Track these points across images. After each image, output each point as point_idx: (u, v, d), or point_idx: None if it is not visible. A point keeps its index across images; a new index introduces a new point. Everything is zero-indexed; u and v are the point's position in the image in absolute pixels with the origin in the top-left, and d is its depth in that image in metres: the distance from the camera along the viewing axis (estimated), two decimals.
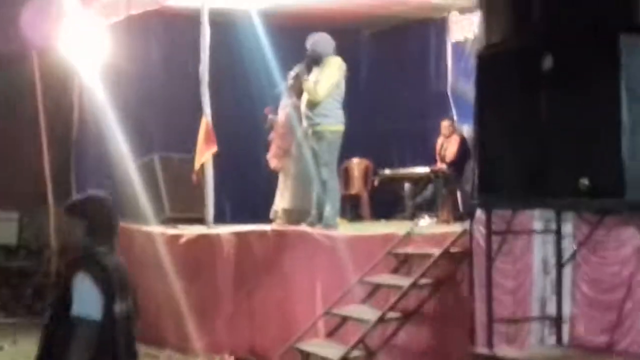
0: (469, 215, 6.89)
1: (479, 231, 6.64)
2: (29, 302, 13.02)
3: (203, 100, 10.44)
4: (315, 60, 9.18)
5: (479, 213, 6.61)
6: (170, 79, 12.10)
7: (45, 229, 12.78)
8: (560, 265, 6.00)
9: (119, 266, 4.16)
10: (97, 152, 12.23)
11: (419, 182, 11.56)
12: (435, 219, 10.42)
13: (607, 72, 4.83)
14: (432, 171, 11.29)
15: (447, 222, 10.20)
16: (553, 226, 6.15)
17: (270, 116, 10.67)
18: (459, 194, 11.26)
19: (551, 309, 6.23)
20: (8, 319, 12.68)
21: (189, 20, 11.14)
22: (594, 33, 4.93)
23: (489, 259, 5.91)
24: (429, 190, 11.41)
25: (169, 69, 12.20)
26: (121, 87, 11.62)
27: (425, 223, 10.04)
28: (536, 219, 6.28)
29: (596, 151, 4.95)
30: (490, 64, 5.73)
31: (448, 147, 11.53)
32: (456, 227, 7.56)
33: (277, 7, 11.24)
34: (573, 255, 6.01)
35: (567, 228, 6.07)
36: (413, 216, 11.01)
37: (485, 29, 5.75)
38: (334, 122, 9.05)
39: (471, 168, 11.53)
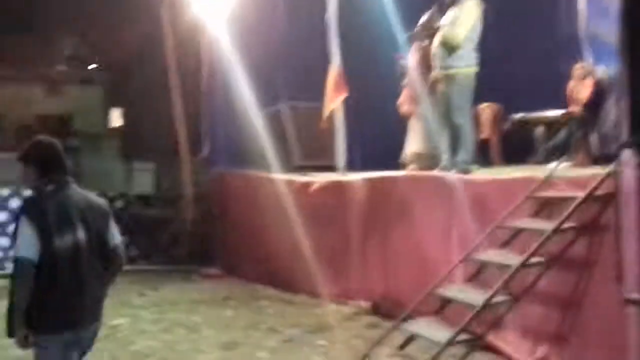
0: (614, 156, 6.50)
1: (626, 173, 6.26)
2: (166, 249, 13.26)
3: (332, 47, 10.22)
4: (450, 2, 8.81)
5: (627, 154, 6.22)
6: (297, 28, 11.90)
7: (179, 178, 12.93)
8: None
9: (65, 203, 4.35)
10: (226, 104, 12.23)
11: (552, 126, 11.08)
12: (569, 163, 9.94)
13: None
14: (565, 114, 10.80)
15: (581, 165, 9.72)
16: None
17: (401, 61, 10.35)
18: (592, 137, 10.76)
19: None
20: (149, 266, 12.97)
21: None
22: None
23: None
24: (562, 134, 10.91)
25: (295, 18, 12.00)
26: (248, 39, 11.52)
27: (559, 167, 9.60)
28: None
29: None
30: None
31: (581, 90, 10.97)
32: (596, 170, 7.13)
33: None
34: None
35: None
36: (545, 161, 10.57)
37: None
38: (468, 65, 8.70)
39: (606, 110, 11.05)
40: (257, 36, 11.63)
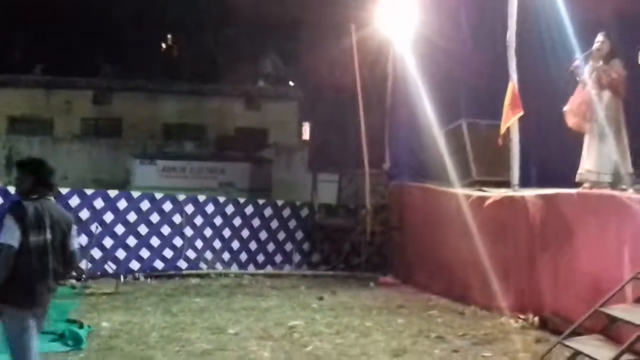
0: None
1: None
2: (346, 256, 13.39)
3: (510, 65, 10.01)
4: None
5: None
6: (477, 47, 11.75)
7: (361, 190, 13.03)
8: None
9: (41, 210, 5.22)
10: (408, 120, 12.24)
11: None
12: None
13: None
14: None
15: None
16: None
17: (575, 65, 9.68)
18: None
19: None
20: (328, 272, 13.15)
21: None
22: None
23: None
24: None
25: (476, 37, 11.83)
26: (431, 58, 11.50)
27: None
28: None
29: None
30: None
31: None
32: None
33: None
34: None
35: None
36: None
37: None
38: None
39: None
40: (440, 56, 11.61)
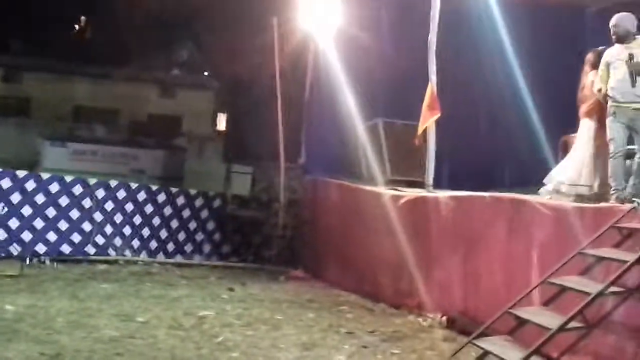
0: None
1: None
2: (257, 249, 13.29)
3: (430, 67, 10.08)
4: (619, 39, 8.22)
5: None
6: (398, 46, 11.81)
7: (275, 184, 12.95)
8: None
9: None
10: (326, 115, 12.23)
11: None
12: None
13: None
14: None
15: None
16: None
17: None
18: None
19: None
20: (239, 263, 13.03)
21: None
22: None
23: None
24: None
25: (397, 37, 11.90)
26: (351, 55, 11.50)
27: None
28: None
29: None
30: None
31: None
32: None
33: None
34: None
35: None
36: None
37: None
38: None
39: None
40: (361, 53, 11.60)
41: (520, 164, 11.91)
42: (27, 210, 11.85)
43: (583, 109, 8.48)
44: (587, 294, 6.14)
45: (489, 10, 10.93)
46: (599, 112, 8.18)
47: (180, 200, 13.35)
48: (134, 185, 13.17)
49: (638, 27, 8.10)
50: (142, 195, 13.03)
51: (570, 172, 8.42)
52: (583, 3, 12.43)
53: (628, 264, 6.13)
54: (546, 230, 7.66)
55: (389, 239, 10.08)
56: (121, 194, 12.78)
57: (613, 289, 6.17)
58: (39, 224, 11.92)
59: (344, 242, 11.35)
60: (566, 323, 5.97)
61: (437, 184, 10.48)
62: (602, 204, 7.67)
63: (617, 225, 6.74)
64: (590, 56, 8.59)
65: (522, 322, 6.48)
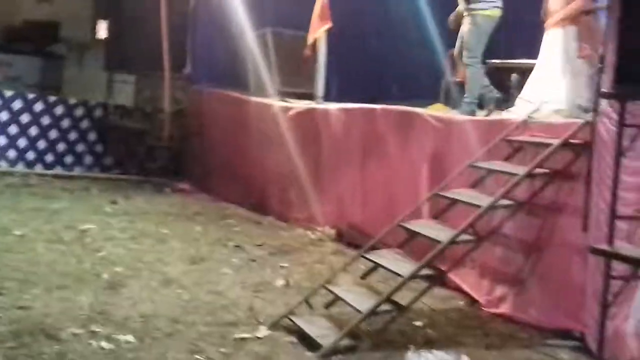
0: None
1: (603, 123, 5.96)
2: (140, 160, 12.86)
3: None
4: None
5: (606, 104, 5.90)
6: None
7: (160, 94, 12.48)
8: None
9: None
10: (212, 24, 11.75)
11: (527, 73, 10.72)
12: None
13: None
14: None
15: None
16: None
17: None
18: None
19: None
20: (122, 175, 12.59)
21: None
22: None
23: (619, 152, 5.23)
24: None
25: None
26: None
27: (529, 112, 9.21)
28: None
29: None
30: None
31: None
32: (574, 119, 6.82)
33: None
34: None
35: None
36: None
37: None
38: (486, 7, 8.08)
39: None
40: None
41: (411, 77, 11.83)
42: None
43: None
44: (478, 206, 6.11)
45: None
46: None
47: (59, 110, 12.76)
48: (9, 93, 12.47)
49: None
50: (17, 104, 12.37)
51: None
52: None
53: (518, 177, 6.11)
54: (437, 143, 7.61)
55: (277, 151, 9.89)
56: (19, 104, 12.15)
57: (503, 202, 6.17)
58: None
59: (232, 154, 11.08)
60: (457, 236, 5.93)
61: (327, 97, 10.30)
62: (493, 117, 7.68)
63: (508, 138, 6.72)
64: None
65: (412, 235, 6.42)
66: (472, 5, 8.11)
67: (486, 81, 8.39)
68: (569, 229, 6.14)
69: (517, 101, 7.94)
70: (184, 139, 12.28)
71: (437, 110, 8.94)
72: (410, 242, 6.46)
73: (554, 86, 7.48)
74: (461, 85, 11.04)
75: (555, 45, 7.67)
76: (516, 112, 7.48)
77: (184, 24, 12.38)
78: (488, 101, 8.30)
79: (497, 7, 8.13)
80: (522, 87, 10.65)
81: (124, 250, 7.78)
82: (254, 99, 10.79)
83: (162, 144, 12.31)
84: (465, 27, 8.24)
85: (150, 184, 11.98)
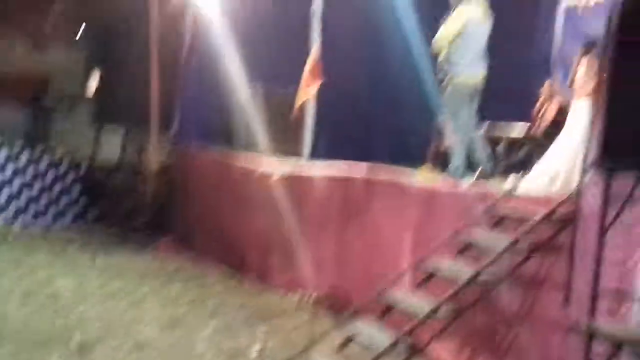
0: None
1: (588, 196, 5.88)
2: (124, 216, 12.69)
3: (313, 34, 9.78)
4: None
5: (591, 176, 5.83)
6: (282, 11, 11.37)
7: (147, 149, 12.40)
8: None
9: None
10: (203, 81, 11.74)
11: (515, 141, 10.73)
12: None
13: None
14: (528, 133, 10.46)
15: None
16: None
17: None
18: None
19: None
20: (104, 231, 12.41)
21: None
22: None
23: (603, 227, 5.13)
24: (523, 152, 10.54)
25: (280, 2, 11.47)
26: (232, 18, 11.04)
27: (514, 183, 9.20)
28: None
29: None
30: (632, 18, 4.91)
31: (547, 109, 10.63)
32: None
33: None
34: None
35: None
36: (504, 174, 10.21)
37: None
38: (461, 72, 8.12)
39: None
40: (241, 17, 11.13)
41: (401, 137, 11.80)
42: None
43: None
44: (459, 279, 5.99)
45: None
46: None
47: (44, 163, 12.64)
48: None
49: None
50: (1, 156, 12.27)
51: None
52: None
53: (500, 250, 6.01)
54: (421, 212, 7.51)
55: (260, 213, 9.77)
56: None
57: (485, 273, 6.05)
58: None
59: (216, 213, 10.95)
60: (437, 309, 5.81)
61: (315, 154, 10.22)
62: (478, 188, 7.61)
63: (492, 209, 6.63)
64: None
65: (392, 305, 6.29)
66: (451, 70, 8.11)
67: (480, 147, 8.34)
68: (550, 303, 6.02)
69: (533, 171, 7.87)
70: (169, 196, 12.15)
71: (425, 173, 8.90)
72: (391, 312, 6.33)
73: (574, 156, 7.33)
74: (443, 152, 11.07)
75: (582, 115, 7.50)
76: (531, 182, 7.40)
77: (174, 81, 12.37)
78: (480, 168, 8.25)
79: (475, 72, 8.12)
80: (509, 154, 10.72)
81: (100, 309, 7.63)
82: (239, 159, 10.70)
83: (146, 201, 12.17)
84: (447, 92, 8.25)
85: (133, 240, 11.78)
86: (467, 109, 8.23)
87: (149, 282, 9.12)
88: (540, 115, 10.62)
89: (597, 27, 10.32)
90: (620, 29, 4.99)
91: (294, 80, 10.12)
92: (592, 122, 5.78)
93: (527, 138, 10.38)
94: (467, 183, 7.82)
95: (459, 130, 8.20)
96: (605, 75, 5.17)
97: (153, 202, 12.13)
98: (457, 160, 8.14)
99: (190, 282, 9.37)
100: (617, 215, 5.22)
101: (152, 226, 12.09)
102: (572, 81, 7.89)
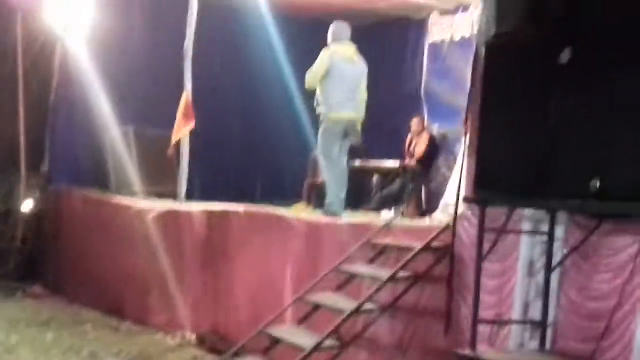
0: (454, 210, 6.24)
1: (463, 227, 6.04)
2: None
3: (185, 75, 9.70)
4: None
5: (465, 209, 6.00)
6: (152, 51, 11.25)
7: (15, 192, 11.87)
8: (549, 269, 5.35)
9: None
10: (74, 120, 11.41)
11: (388, 175, 10.95)
12: (400, 213, 9.75)
13: (634, 69, 4.20)
14: (401, 166, 10.70)
15: (411, 216, 9.58)
16: (543, 228, 5.50)
17: None
18: (423, 191, 10.71)
19: (532, 313, 5.58)
20: None
21: None
22: (621, 25, 4.29)
23: (480, 257, 5.26)
24: (397, 184, 10.78)
25: (151, 41, 11.33)
26: (103, 56, 10.80)
27: (391, 216, 9.38)
28: (525, 219, 5.63)
29: (612, 152, 4.35)
30: (498, 54, 5.10)
31: (418, 144, 10.94)
32: (434, 222, 6.91)
33: None
34: (563, 260, 5.35)
35: (559, 232, 5.41)
36: (378, 208, 10.39)
37: (496, 18, 5.08)
38: (327, 111, 8.32)
39: (437, 166, 10.97)
40: (114, 55, 10.91)
41: (275, 176, 11.85)
42: None
43: None
44: (342, 311, 6.00)
45: (253, 18, 10.75)
46: None
47: None
48: None
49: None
50: None
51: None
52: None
53: (381, 282, 6.07)
54: (301, 246, 7.51)
55: (136, 253, 9.51)
56: None
57: (367, 306, 6.09)
58: None
59: (89, 256, 10.56)
60: (321, 342, 5.80)
61: (190, 195, 10.10)
62: (357, 220, 7.69)
63: (372, 241, 6.70)
64: None
65: (276, 341, 6.24)
66: (322, 108, 8.25)
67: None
68: (431, 333, 6.12)
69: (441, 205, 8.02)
70: (39, 240, 11.66)
71: (300, 210, 8.94)
72: (275, 348, 6.28)
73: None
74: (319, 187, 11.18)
75: None
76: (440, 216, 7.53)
77: (43, 120, 11.94)
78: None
79: (343, 110, 8.26)
80: (382, 188, 10.93)
81: None
82: (112, 199, 10.43)
83: (16, 246, 11.63)
84: (320, 129, 8.39)
85: (1, 287, 11.22)
86: (337, 146, 8.37)
87: (21, 331, 8.69)
88: (411, 148, 10.91)
89: (463, 62, 10.85)
90: (487, 65, 5.15)
91: (168, 121, 10.00)
92: (465, 156, 5.96)
93: (400, 170, 10.63)
94: (343, 217, 7.91)
95: (331, 166, 8.32)
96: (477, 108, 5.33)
97: (22, 247, 11.59)
98: (330, 196, 8.23)
99: (65, 329, 8.97)
100: (494, 244, 5.36)
101: (23, 272, 11.54)
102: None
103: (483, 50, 5.41)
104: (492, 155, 5.09)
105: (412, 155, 10.80)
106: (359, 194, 11.25)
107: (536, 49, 4.76)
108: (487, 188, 5.13)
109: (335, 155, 8.36)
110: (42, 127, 11.89)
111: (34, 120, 11.79)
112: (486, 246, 5.39)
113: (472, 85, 6.01)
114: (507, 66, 4.99)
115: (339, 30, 8.56)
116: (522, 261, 5.68)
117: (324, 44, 8.73)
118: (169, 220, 9.30)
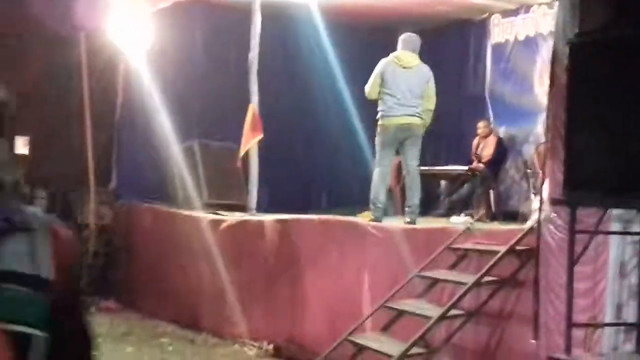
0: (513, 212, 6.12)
1: (547, 229, 5.93)
2: None
3: (251, 87, 9.72)
4: None
5: (550, 211, 5.89)
6: (214, 66, 11.36)
7: (85, 208, 12.03)
8: None
9: None
10: (140, 136, 11.54)
11: (456, 180, 10.86)
12: (470, 217, 9.66)
13: None
14: (469, 170, 10.59)
15: (481, 220, 9.46)
16: (633, 228, 5.38)
17: None
18: (492, 194, 10.59)
19: (626, 315, 5.46)
20: None
21: (234, 9, 10.61)
22: None
23: (571, 259, 5.14)
24: (465, 188, 10.68)
25: (212, 56, 11.43)
26: (167, 73, 10.92)
27: (461, 220, 9.31)
28: (614, 219, 5.51)
29: None
30: (585, 52, 4.98)
31: (485, 147, 10.81)
32: (515, 225, 6.81)
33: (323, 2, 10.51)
34: None
35: None
36: (447, 214, 10.32)
37: (580, 16, 4.99)
38: (382, 117, 8.44)
39: (505, 169, 10.86)
40: (176, 72, 11.05)
41: (340, 185, 11.83)
42: None
43: None
44: (428, 317, 5.94)
45: (313, 29, 10.76)
46: None
47: None
48: None
49: None
50: None
51: None
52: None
53: (467, 285, 5.99)
54: (377, 253, 7.46)
55: (209, 265, 9.54)
56: None
57: (452, 312, 6.02)
58: None
59: (161, 269, 10.65)
60: (409, 349, 5.74)
61: (258, 207, 10.12)
62: (432, 225, 7.62)
63: (452, 246, 6.63)
64: None
65: (361, 349, 6.20)
66: (378, 116, 8.44)
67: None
68: (518, 338, 6.01)
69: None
70: (110, 255, 11.81)
71: (366, 218, 8.89)
72: (359, 357, 6.23)
73: None
74: (389, 192, 11.12)
75: None
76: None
77: (109, 138, 12.12)
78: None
79: (394, 116, 8.34)
80: (450, 193, 10.85)
81: None
82: (182, 212, 10.49)
83: (87, 261, 11.78)
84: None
85: None
86: (389, 151, 8.48)
87: (99, 345, 8.73)
88: (478, 151, 10.80)
89: (528, 62, 10.72)
90: (573, 64, 5.04)
91: (231, 135, 10.06)
92: (548, 158, 5.86)
93: (468, 174, 10.53)
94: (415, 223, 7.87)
95: (379, 170, 8.38)
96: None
97: (94, 263, 11.74)
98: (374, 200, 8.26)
99: (142, 343, 9.04)
100: (586, 247, 5.25)
101: (94, 288, 11.68)
102: None
103: (563, 50, 5.32)
104: (581, 156, 4.98)
105: (479, 159, 10.68)
106: (426, 199, 11.21)
107: (627, 45, 4.65)
108: (576, 189, 5.02)
109: (385, 161, 8.45)
110: (108, 144, 12.06)
111: (100, 138, 11.96)
112: (577, 249, 5.28)
113: (551, 84, 5.91)
114: (596, 64, 4.88)
115: (406, 40, 8.62)
116: (612, 262, 5.57)
117: (386, 52, 8.75)
118: (241, 230, 9.33)
